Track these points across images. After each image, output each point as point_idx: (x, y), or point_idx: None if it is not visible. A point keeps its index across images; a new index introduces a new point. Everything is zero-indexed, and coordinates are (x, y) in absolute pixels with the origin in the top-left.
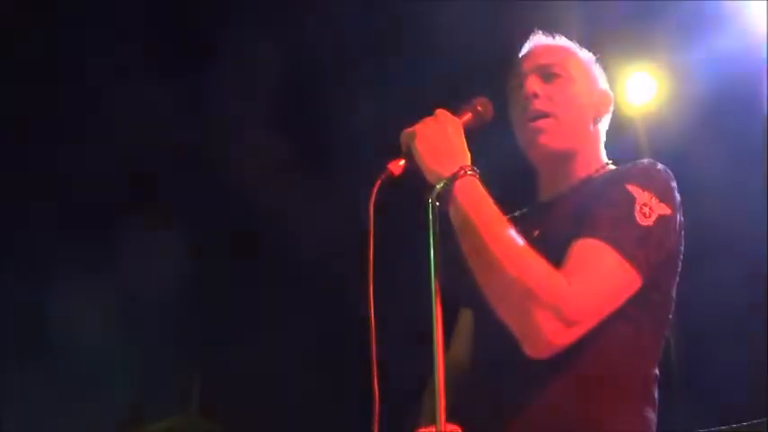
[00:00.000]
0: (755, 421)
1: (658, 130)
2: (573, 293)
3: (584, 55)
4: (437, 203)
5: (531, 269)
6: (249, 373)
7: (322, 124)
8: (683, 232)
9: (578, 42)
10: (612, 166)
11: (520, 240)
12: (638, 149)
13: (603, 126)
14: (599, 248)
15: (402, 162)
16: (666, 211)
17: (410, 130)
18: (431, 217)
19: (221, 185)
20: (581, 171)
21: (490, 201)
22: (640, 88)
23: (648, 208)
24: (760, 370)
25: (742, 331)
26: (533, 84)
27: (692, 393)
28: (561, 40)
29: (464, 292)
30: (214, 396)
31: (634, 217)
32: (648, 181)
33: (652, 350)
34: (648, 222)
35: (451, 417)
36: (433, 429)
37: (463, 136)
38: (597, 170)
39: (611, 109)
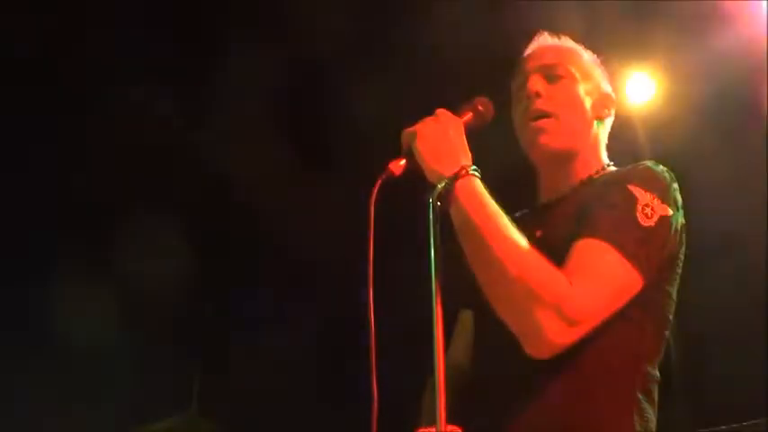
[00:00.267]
0: (755, 421)
1: (658, 130)
2: (575, 293)
3: (589, 56)
4: (438, 203)
5: (532, 269)
6: (249, 373)
7: (322, 124)
8: (684, 233)
9: (578, 42)
10: (613, 168)
11: (522, 240)
12: (637, 149)
13: (606, 128)
14: (601, 249)
15: (403, 162)
16: (668, 211)
17: (411, 129)
18: (431, 217)
19: (221, 185)
20: (582, 172)
21: (491, 201)
22: (640, 88)
23: (650, 209)
24: (760, 370)
25: (741, 331)
26: (536, 83)
27: (692, 393)
28: (566, 41)
29: (464, 292)
30: (214, 396)
31: (636, 217)
32: (650, 182)
33: (652, 351)
34: (650, 223)
35: (451, 417)
36: (433, 430)
37: (464, 136)
38: (598, 171)
39: (614, 111)
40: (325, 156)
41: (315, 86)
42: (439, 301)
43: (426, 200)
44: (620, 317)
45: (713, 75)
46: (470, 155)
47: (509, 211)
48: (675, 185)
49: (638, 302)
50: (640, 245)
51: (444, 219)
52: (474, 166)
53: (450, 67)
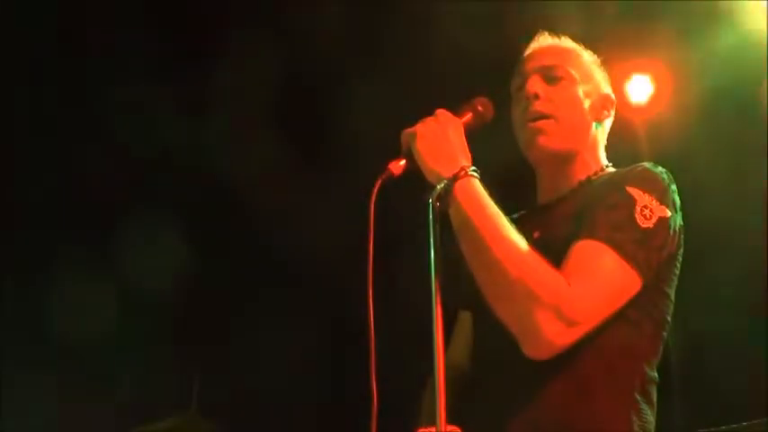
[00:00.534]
0: (755, 421)
1: (658, 131)
2: (574, 294)
3: (589, 57)
4: (437, 204)
5: (531, 270)
6: (249, 373)
7: (322, 124)
8: (682, 234)
9: (578, 42)
10: (612, 169)
11: (521, 241)
12: (637, 150)
13: (605, 129)
14: (600, 250)
15: (402, 162)
16: (666, 213)
17: (411, 130)
18: (431, 217)
19: (221, 185)
20: (580, 173)
21: (491, 201)
22: (640, 88)
23: (649, 210)
24: (760, 370)
25: (741, 331)
26: (535, 84)
27: (691, 393)
28: (566, 42)
29: (464, 292)
30: (214, 396)
31: (635, 219)
32: (649, 183)
33: (651, 352)
34: (649, 224)
35: (451, 417)
36: (433, 430)
37: (464, 136)
38: (597, 172)
39: (614, 112)
40: (325, 156)
41: (315, 86)
42: (439, 301)
43: (426, 200)
44: (619, 318)
45: (713, 75)
46: (470, 155)
47: (508, 211)
48: (674, 187)
49: (636, 303)
50: (639, 246)
51: (444, 219)
52: (473, 167)
53: (450, 68)
